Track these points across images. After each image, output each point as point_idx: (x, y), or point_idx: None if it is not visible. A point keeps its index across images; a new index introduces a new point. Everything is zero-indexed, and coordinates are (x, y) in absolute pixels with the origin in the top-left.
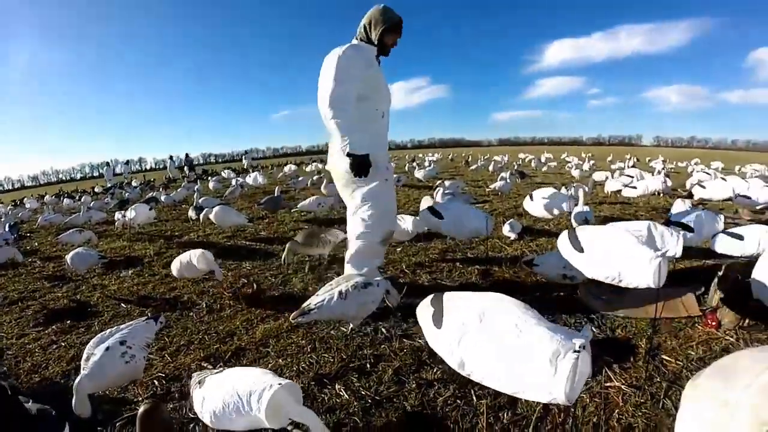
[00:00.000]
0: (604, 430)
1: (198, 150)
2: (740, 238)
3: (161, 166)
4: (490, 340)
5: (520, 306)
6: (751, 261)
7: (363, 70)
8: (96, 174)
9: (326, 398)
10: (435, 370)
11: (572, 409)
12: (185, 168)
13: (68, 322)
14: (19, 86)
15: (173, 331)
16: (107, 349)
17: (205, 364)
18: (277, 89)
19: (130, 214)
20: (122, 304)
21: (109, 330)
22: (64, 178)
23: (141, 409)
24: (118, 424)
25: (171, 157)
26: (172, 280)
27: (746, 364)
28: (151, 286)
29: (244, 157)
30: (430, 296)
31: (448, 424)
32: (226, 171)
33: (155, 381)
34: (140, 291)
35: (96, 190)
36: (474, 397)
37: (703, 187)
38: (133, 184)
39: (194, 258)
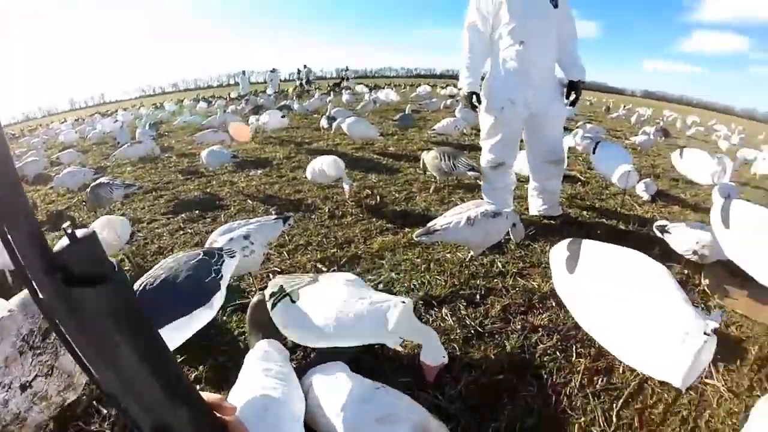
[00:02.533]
0: (690, 427)
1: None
2: None
3: (293, 77)
4: (620, 301)
5: (660, 270)
6: None
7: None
8: (232, 82)
9: (431, 320)
10: (543, 316)
11: (666, 395)
12: (303, 82)
13: (197, 211)
14: None
15: (294, 231)
16: (231, 240)
17: (319, 266)
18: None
19: (264, 118)
20: (249, 200)
21: (238, 222)
22: (201, 85)
23: (253, 299)
24: (228, 309)
25: (299, 71)
26: (299, 183)
27: None
28: (277, 186)
29: (268, 77)
30: (568, 239)
31: (542, 373)
32: (359, 86)
33: (270, 275)
34: (267, 190)
35: (231, 95)
36: (574, 354)
37: None
38: (268, 91)
39: (325, 164)
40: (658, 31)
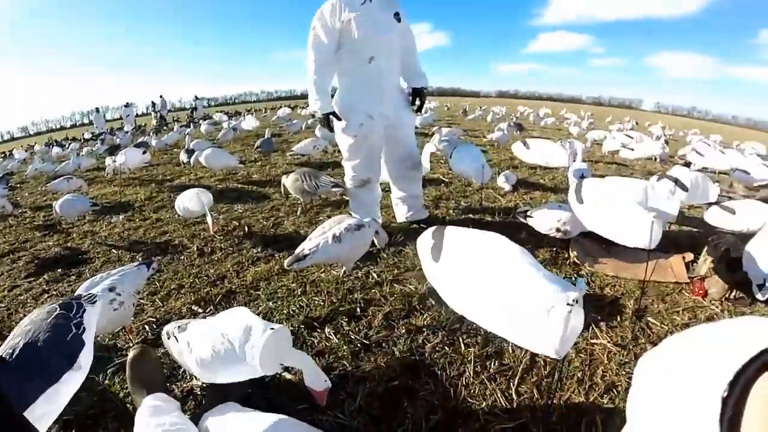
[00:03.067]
0: (588, 386)
1: (189, 94)
2: (733, 212)
3: (149, 111)
4: (487, 280)
5: (520, 250)
6: (742, 235)
7: (337, 18)
8: (86, 121)
9: (316, 342)
10: (425, 316)
11: (558, 363)
12: (160, 115)
13: (59, 270)
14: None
15: (164, 275)
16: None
17: (195, 308)
18: (275, 32)
19: (120, 159)
20: (113, 250)
21: (100, 275)
22: (53, 126)
23: (130, 354)
24: (109, 371)
25: (153, 103)
26: (164, 224)
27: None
28: (142, 230)
29: (194, 105)
30: (432, 228)
31: (435, 370)
32: (218, 114)
33: (146, 326)
34: (131, 236)
35: (86, 136)
36: (462, 346)
37: (701, 155)
38: (125, 128)
39: (186, 199)
40: (506, 36)
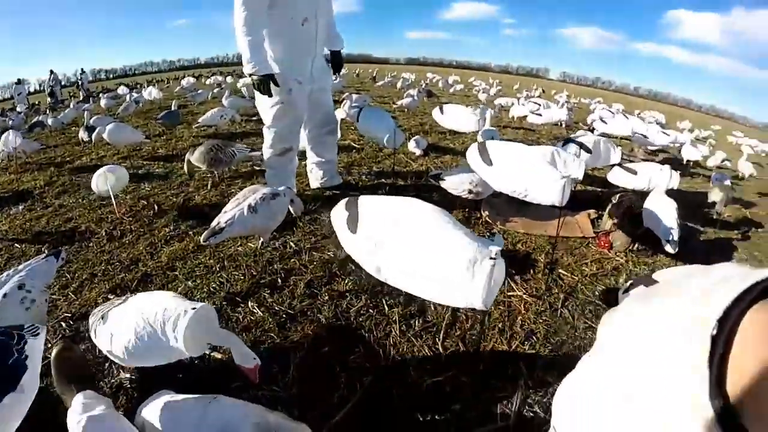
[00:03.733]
0: (509, 335)
1: (87, 66)
2: (634, 172)
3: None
4: (407, 245)
5: (436, 210)
6: (642, 193)
7: None
8: None
9: (240, 317)
10: (346, 281)
11: (478, 316)
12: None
13: None
14: None
15: (74, 266)
16: (4, 296)
17: (111, 296)
18: None
19: (14, 140)
20: (16, 245)
21: (6, 273)
22: None
23: (53, 352)
24: None
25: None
26: (67, 210)
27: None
28: (44, 219)
29: (80, 78)
30: (345, 200)
31: (362, 333)
32: (120, 87)
33: (62, 323)
34: (34, 227)
35: None
36: (386, 307)
37: (605, 122)
38: (18, 108)
39: (98, 179)
40: (419, 4)
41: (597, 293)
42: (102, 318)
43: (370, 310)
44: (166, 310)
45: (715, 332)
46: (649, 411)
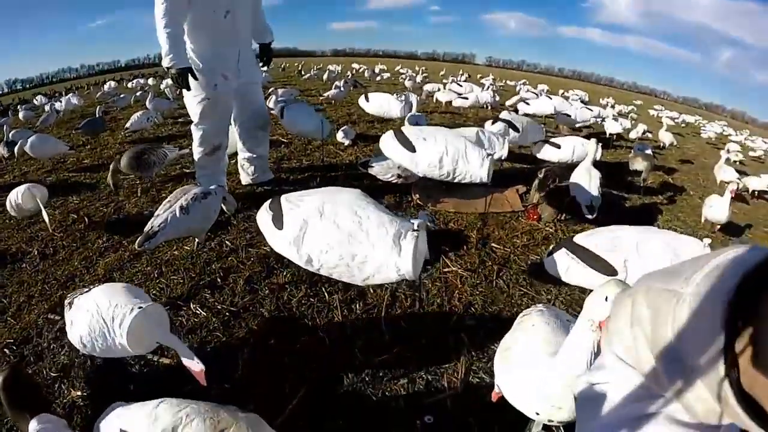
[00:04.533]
0: (448, 309)
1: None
2: (558, 147)
3: None
4: (333, 232)
5: (357, 195)
6: (567, 166)
7: None
8: None
9: (184, 320)
10: (285, 274)
11: (417, 294)
12: None
13: None
14: None
15: (9, 289)
16: None
17: (51, 316)
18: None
19: None
20: None
21: None
22: None
23: (0, 378)
24: None
25: None
26: None
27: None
28: None
29: None
30: (268, 201)
31: (305, 322)
32: (37, 97)
33: (5, 350)
34: None
35: None
36: (326, 294)
37: (528, 104)
38: None
39: (20, 196)
40: None
41: (529, 262)
42: (69, 305)
43: (311, 299)
44: (117, 306)
45: (732, 298)
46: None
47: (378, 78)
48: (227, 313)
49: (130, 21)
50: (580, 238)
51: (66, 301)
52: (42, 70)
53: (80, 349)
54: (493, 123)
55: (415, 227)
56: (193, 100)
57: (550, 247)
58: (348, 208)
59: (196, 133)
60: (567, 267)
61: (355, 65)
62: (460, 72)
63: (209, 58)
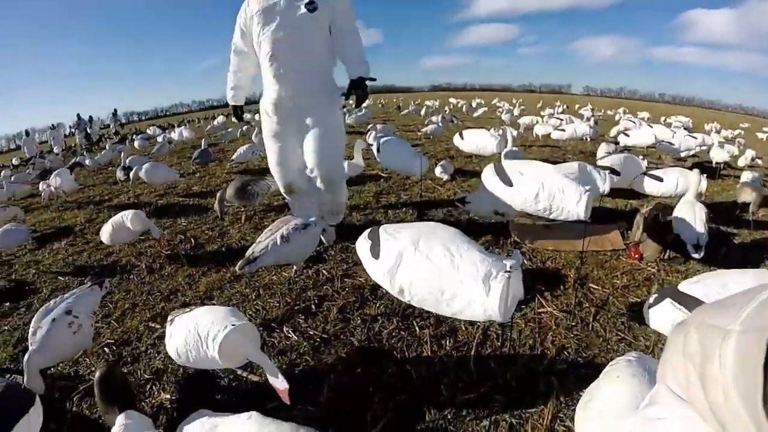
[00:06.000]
0: (540, 351)
1: (120, 108)
2: (660, 179)
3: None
4: (425, 266)
5: (452, 232)
6: (670, 200)
7: (245, 15)
8: (12, 146)
9: (276, 341)
10: (378, 305)
11: (509, 333)
12: (80, 136)
13: (7, 305)
14: None
15: (116, 296)
16: (53, 320)
17: (152, 324)
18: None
19: (55, 181)
20: (60, 277)
21: (53, 300)
22: None
23: (97, 374)
24: (75, 398)
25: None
26: (108, 246)
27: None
28: (86, 254)
29: (49, 135)
30: (367, 230)
31: (394, 354)
32: (151, 128)
33: (105, 349)
34: (76, 261)
35: (14, 162)
36: (417, 328)
37: (628, 135)
38: (55, 150)
39: (127, 220)
40: (434, 32)
41: (629, 304)
42: (171, 321)
43: (402, 332)
44: (213, 323)
45: None
46: None
47: (475, 113)
48: (318, 339)
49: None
50: (685, 287)
51: (169, 318)
52: (157, 105)
53: (175, 359)
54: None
55: (508, 268)
56: (267, 143)
57: (651, 297)
58: (442, 244)
59: (276, 176)
60: (673, 320)
61: (452, 100)
62: (557, 103)
63: (266, 100)
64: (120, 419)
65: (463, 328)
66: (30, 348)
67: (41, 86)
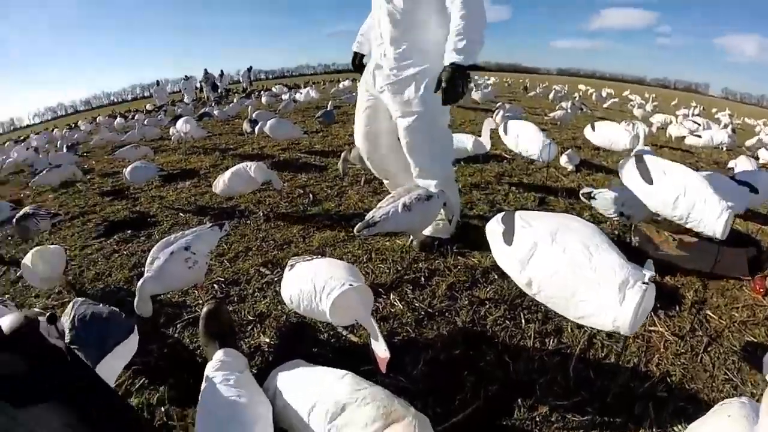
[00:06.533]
0: (643, 371)
1: (245, 66)
2: None
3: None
4: (560, 262)
5: (591, 229)
6: None
7: None
8: (146, 94)
9: (381, 307)
10: (487, 290)
11: (620, 346)
12: (207, 89)
13: (129, 232)
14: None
15: (231, 239)
16: (172, 253)
17: (263, 269)
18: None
19: (185, 127)
20: (180, 214)
21: (174, 235)
22: (115, 99)
23: (204, 309)
24: (179, 325)
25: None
26: None
27: None
28: (208, 196)
29: (182, 85)
30: (501, 213)
31: (496, 342)
32: (277, 86)
33: (215, 285)
34: (197, 201)
35: (148, 108)
36: (523, 321)
37: None
38: (185, 100)
39: (251, 169)
40: (567, 11)
41: (744, 343)
42: (291, 266)
43: (507, 321)
44: (331, 278)
45: None
46: None
47: (606, 103)
48: (423, 312)
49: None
50: None
51: (289, 262)
52: (283, 65)
53: (287, 303)
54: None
55: (647, 279)
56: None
57: None
58: (580, 241)
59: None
60: None
61: (582, 86)
62: (693, 104)
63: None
64: (218, 354)
65: (569, 330)
66: (146, 275)
67: (174, 40)
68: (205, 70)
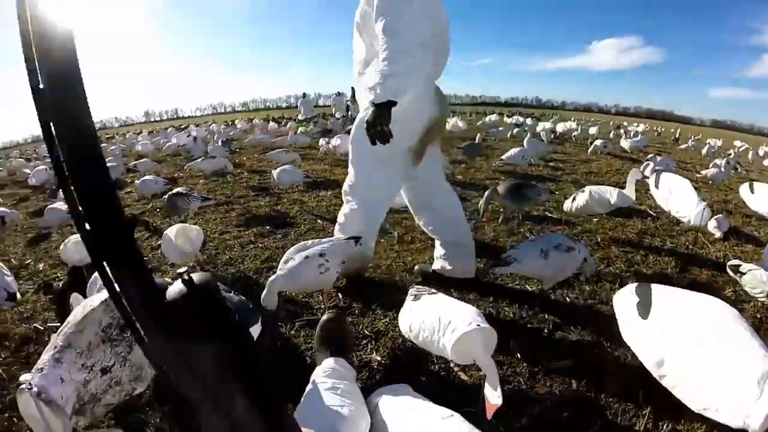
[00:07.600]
0: None
1: None
2: None
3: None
4: (694, 346)
5: (732, 314)
6: None
7: None
8: (293, 104)
9: (497, 350)
10: (612, 356)
11: None
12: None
13: (267, 227)
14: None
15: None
16: (306, 257)
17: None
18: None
19: (336, 141)
20: (319, 220)
21: (311, 241)
22: (270, 106)
23: (325, 316)
24: (297, 323)
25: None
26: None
27: None
28: None
29: (300, 103)
30: (634, 284)
31: (607, 414)
32: None
33: (339, 294)
34: (336, 210)
35: (299, 118)
36: (641, 397)
37: None
38: (336, 115)
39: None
40: (725, 56)
41: None
42: (415, 297)
43: (623, 395)
44: (458, 315)
45: None
46: None
47: (765, 161)
48: (539, 366)
49: (514, 61)
50: None
51: (412, 291)
52: None
53: (403, 331)
54: None
55: None
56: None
57: None
58: (722, 325)
59: None
60: None
61: (737, 142)
62: None
63: None
64: (329, 362)
65: (688, 420)
66: (278, 272)
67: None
68: (352, 88)
